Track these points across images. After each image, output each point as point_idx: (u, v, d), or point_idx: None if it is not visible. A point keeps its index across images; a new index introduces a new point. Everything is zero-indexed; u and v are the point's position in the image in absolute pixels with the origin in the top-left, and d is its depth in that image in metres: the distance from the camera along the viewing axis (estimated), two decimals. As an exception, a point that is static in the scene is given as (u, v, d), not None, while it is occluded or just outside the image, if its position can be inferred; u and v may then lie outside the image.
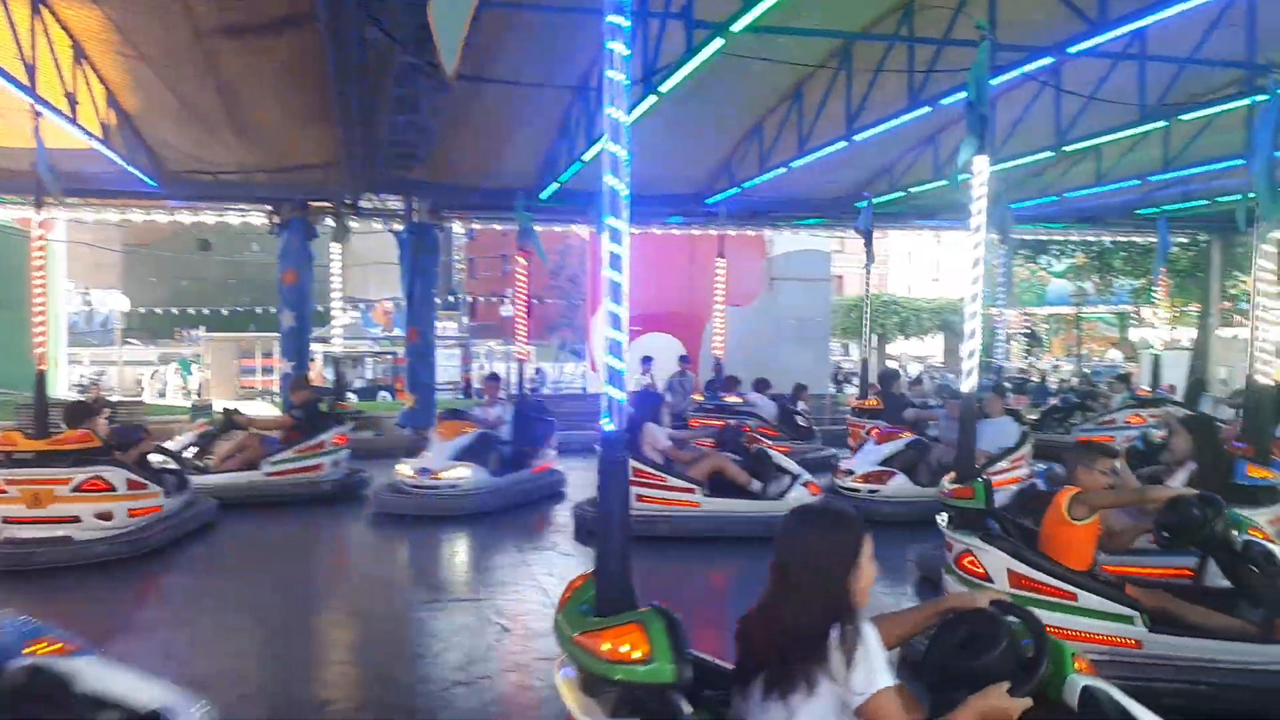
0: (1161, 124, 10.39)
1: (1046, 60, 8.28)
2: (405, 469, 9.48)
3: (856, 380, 32.31)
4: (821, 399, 18.77)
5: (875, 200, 13.48)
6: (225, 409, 11.05)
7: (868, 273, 13.46)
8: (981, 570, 4.80)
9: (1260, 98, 9.69)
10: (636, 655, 2.31)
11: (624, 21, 2.96)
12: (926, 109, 9.35)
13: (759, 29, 7.81)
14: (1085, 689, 2.57)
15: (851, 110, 10.02)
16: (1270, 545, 4.46)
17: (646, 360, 15.98)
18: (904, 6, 8.52)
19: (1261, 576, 4.39)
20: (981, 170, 5.54)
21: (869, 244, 12.95)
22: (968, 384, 5.25)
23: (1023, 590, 4.48)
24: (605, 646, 2.37)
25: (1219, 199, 14.39)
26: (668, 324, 19.78)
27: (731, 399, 13.50)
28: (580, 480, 10.43)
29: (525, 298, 13.17)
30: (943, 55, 8.72)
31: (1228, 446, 6.24)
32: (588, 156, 10.94)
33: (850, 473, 9.27)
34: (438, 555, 7.92)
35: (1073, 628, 4.39)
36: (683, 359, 16.67)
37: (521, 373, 12.22)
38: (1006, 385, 16.17)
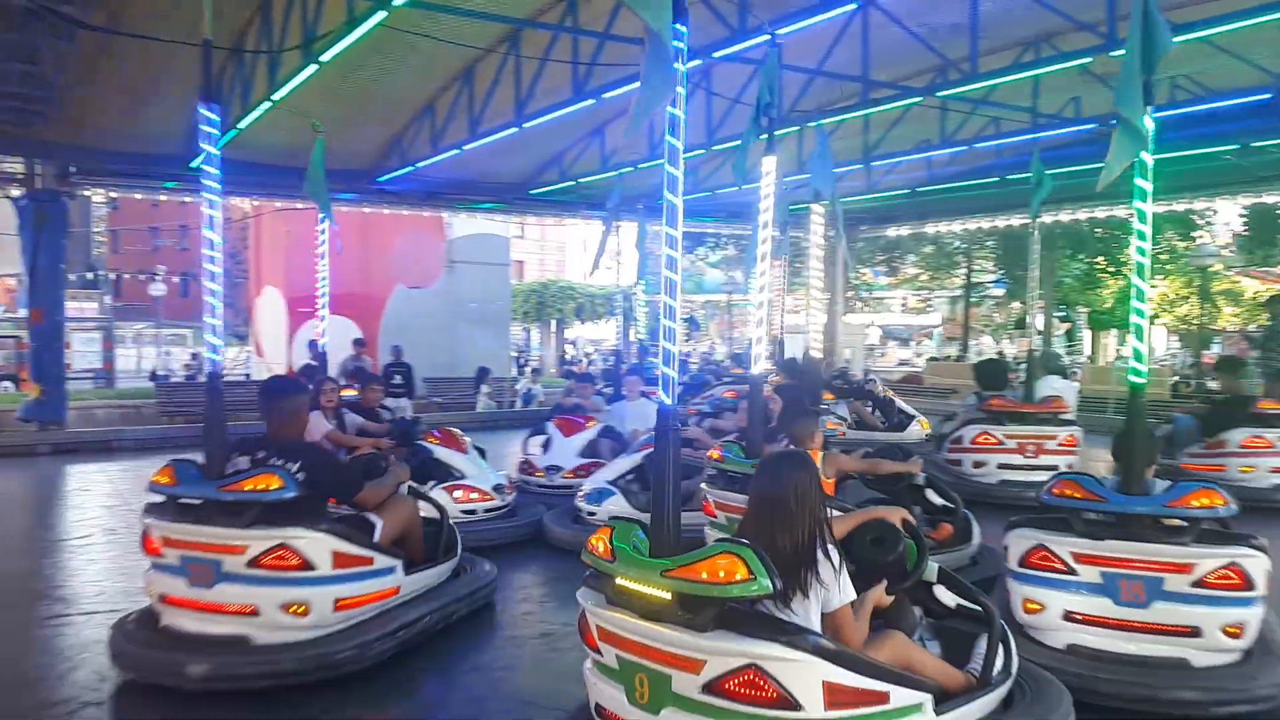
0: (795, 129, 11.60)
1: (696, 63, 8.95)
2: None
3: (534, 365, 32.89)
4: (501, 383, 18.99)
5: (545, 189, 13.86)
6: None
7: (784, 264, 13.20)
8: None
9: (876, 110, 11.16)
10: (739, 576, 2.82)
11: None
12: (591, 101, 9.77)
13: (423, 5, 7.79)
14: (939, 568, 3.71)
15: (521, 96, 10.24)
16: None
17: (314, 344, 15.29)
18: (568, -2, 8.83)
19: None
20: (770, 170, 5.86)
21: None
22: (757, 368, 5.76)
23: None
24: (704, 575, 2.87)
25: (842, 199, 16.27)
26: (342, 306, 19.03)
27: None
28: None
29: None
30: (604, 50, 9.13)
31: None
32: (244, 124, 10.30)
33: (557, 469, 8.22)
34: (65, 565, 7.10)
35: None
36: (358, 342, 16.13)
37: None
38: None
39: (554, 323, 36.16)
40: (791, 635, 2.86)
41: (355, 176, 14.25)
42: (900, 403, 12.03)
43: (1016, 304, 32.65)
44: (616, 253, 13.20)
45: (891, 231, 19.86)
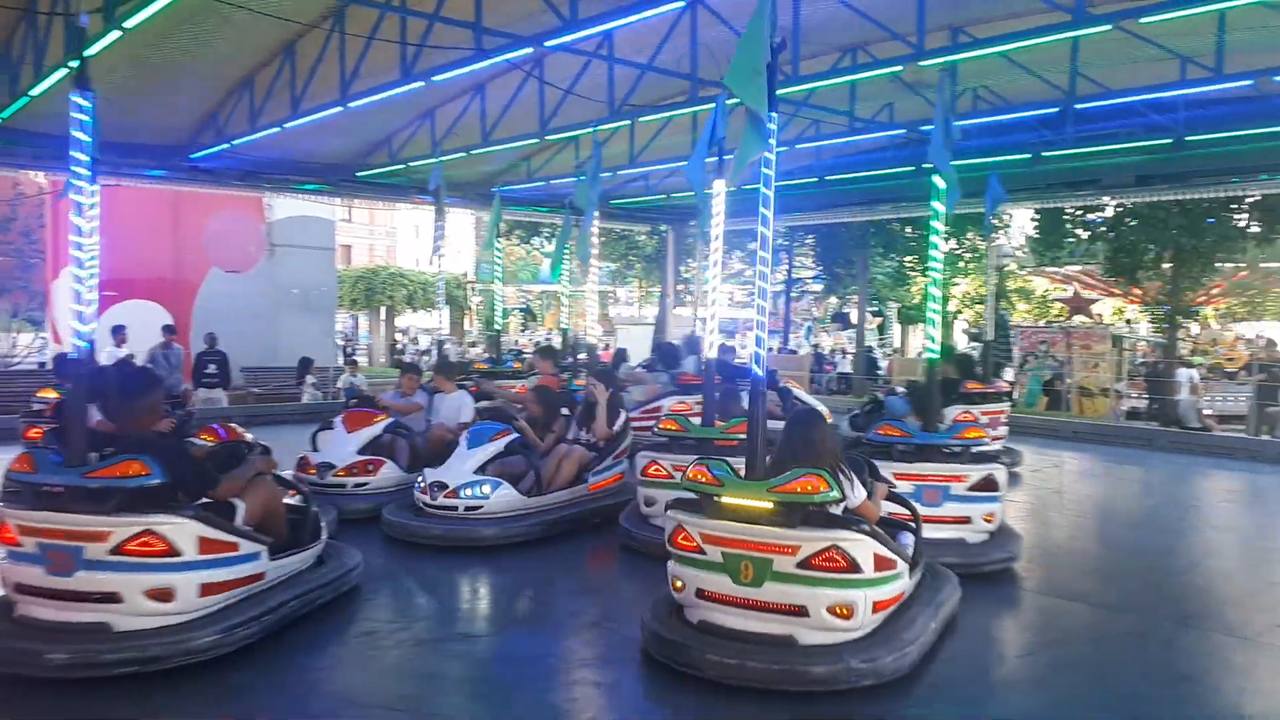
0: (626, 122, 11.75)
1: (527, 50, 8.92)
2: None
3: (360, 354, 31.86)
4: (327, 373, 18.32)
5: (373, 172, 13.43)
6: None
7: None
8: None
9: (704, 108, 11.41)
10: (823, 489, 4.15)
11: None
12: (420, 83, 9.57)
13: (239, -25, 7.44)
14: None
15: (346, 76, 9.91)
16: None
17: (118, 329, 14.25)
18: (396, -24, 8.60)
19: None
20: (719, 193, 6.31)
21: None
22: (711, 353, 6.68)
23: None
24: (798, 489, 4.17)
25: (673, 195, 16.62)
26: (149, 290, 17.91)
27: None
28: None
29: None
30: (434, 32, 8.94)
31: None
32: (37, 92, 9.52)
33: (329, 466, 7.65)
34: None
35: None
36: (168, 329, 15.21)
37: None
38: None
39: (384, 310, 35.15)
40: (853, 525, 4.23)
41: (166, 152, 13.39)
42: (798, 392, 12.67)
43: (834, 299, 34.28)
44: (409, 233, 12.89)
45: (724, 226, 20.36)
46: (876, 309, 30.72)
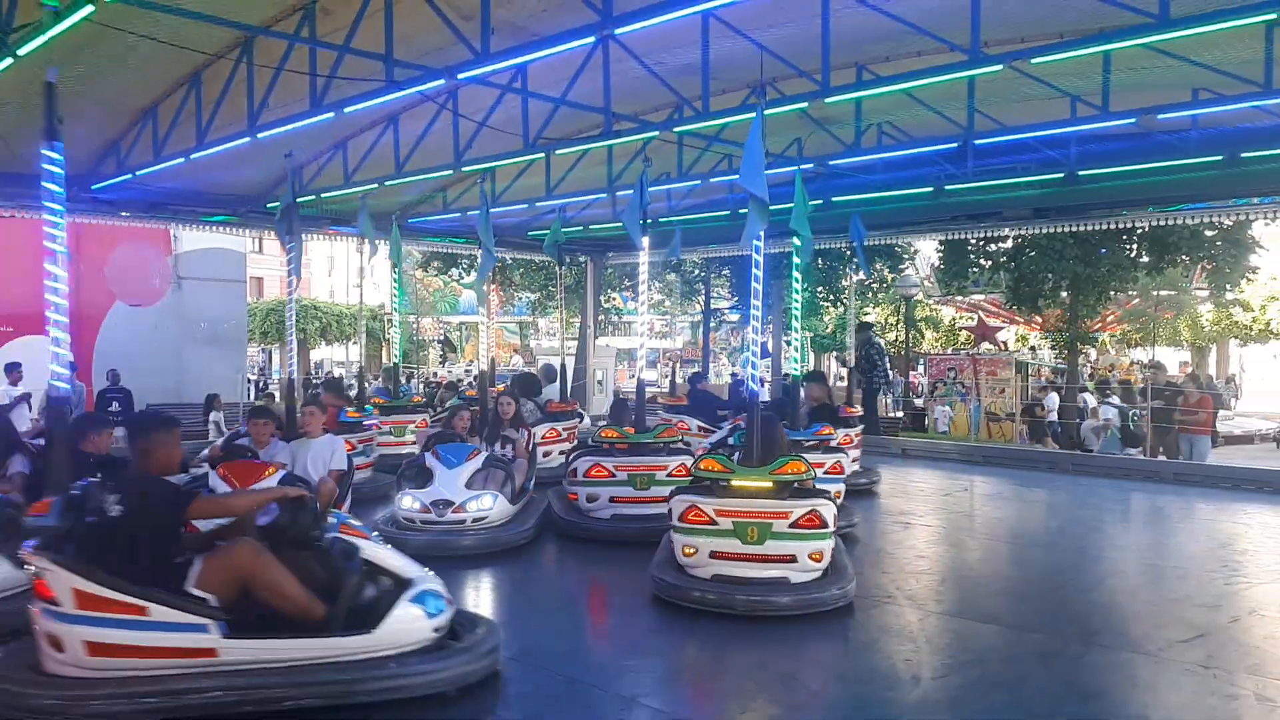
0: (540, 155, 11.77)
1: (439, 82, 8.88)
2: None
3: (273, 386, 31.07)
4: (236, 409, 17.78)
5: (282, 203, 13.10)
6: None
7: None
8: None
9: (618, 141, 11.55)
10: (803, 470, 5.86)
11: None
12: (330, 114, 9.45)
13: (144, 4, 7.27)
14: None
15: (254, 106, 9.73)
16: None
17: (13, 366, 13.65)
18: (305, 7, 8.49)
19: None
20: (645, 247, 7.79)
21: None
22: (645, 373, 9.43)
23: None
24: (790, 472, 5.82)
25: (592, 226, 16.67)
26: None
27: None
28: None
29: None
30: (345, 63, 8.85)
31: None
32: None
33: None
34: None
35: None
36: (69, 365, 14.59)
37: None
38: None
39: (297, 343, 34.37)
40: (822, 494, 5.97)
41: (65, 183, 12.85)
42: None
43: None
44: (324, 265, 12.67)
45: (639, 258, 20.47)
46: (789, 339, 31.20)
